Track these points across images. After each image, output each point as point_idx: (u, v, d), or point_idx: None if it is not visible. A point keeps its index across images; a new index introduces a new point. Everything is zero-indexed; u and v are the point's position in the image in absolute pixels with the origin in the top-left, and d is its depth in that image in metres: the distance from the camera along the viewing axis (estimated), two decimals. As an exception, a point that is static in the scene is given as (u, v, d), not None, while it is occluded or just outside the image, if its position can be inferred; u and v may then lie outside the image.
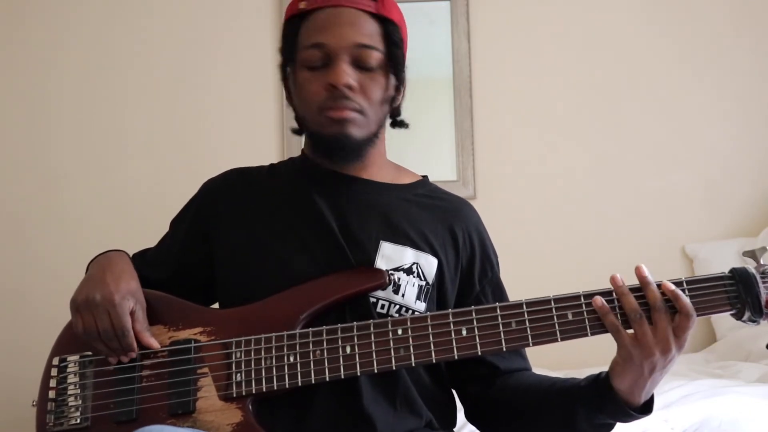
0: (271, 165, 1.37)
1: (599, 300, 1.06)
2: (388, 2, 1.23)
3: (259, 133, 2.75)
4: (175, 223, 1.36)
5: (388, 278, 1.16)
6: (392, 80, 1.23)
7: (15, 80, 2.76)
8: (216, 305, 1.30)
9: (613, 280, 1.07)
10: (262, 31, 2.78)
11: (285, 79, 1.29)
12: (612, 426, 1.13)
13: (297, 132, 1.33)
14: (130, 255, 1.32)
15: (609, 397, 1.08)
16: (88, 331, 1.14)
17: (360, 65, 1.18)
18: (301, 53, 1.20)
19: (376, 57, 1.19)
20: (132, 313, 1.15)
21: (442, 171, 2.72)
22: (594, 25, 2.80)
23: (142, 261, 1.31)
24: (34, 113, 2.75)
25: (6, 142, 2.74)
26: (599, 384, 1.10)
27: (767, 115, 2.76)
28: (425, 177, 1.36)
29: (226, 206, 1.28)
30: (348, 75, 1.16)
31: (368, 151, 1.24)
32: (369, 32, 1.19)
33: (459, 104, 2.75)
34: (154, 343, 1.16)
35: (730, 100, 2.77)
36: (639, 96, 2.77)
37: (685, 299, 1.04)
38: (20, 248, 2.69)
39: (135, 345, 1.15)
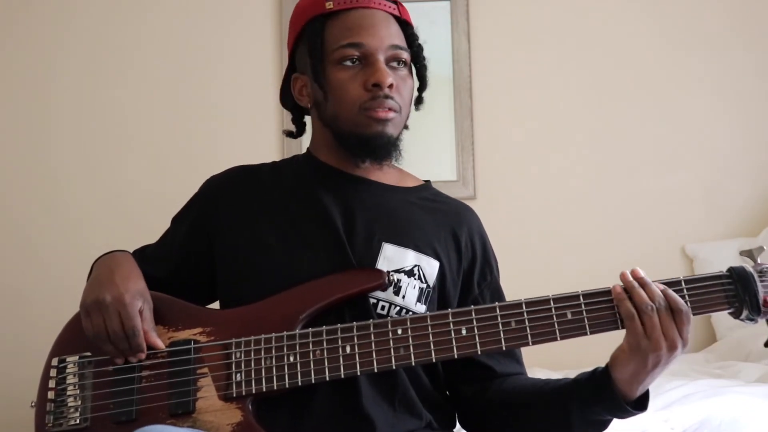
0: (274, 162, 1.37)
1: (618, 287, 1.07)
2: (404, 8, 1.26)
3: (259, 132, 2.74)
4: (177, 220, 1.35)
5: (387, 279, 1.16)
6: (415, 81, 1.26)
7: (15, 80, 2.76)
8: (215, 304, 1.30)
9: (623, 276, 1.08)
10: (263, 30, 2.78)
11: (285, 79, 1.29)
12: (607, 424, 1.13)
13: (292, 135, 1.35)
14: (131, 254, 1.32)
15: (606, 389, 1.08)
16: (98, 333, 1.14)
17: (393, 66, 1.20)
18: (336, 53, 1.19)
19: (406, 57, 1.22)
20: (140, 312, 1.15)
21: (441, 171, 2.71)
22: (594, 25, 2.80)
23: (142, 257, 1.31)
24: (35, 113, 2.75)
25: (6, 141, 2.74)
26: (597, 376, 1.10)
27: (767, 115, 2.76)
28: (428, 182, 1.36)
29: (229, 203, 1.28)
30: (389, 75, 1.18)
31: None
32: (398, 34, 1.22)
33: (459, 104, 2.75)
34: (160, 344, 1.16)
35: (729, 100, 2.77)
36: (639, 96, 2.77)
37: (675, 296, 1.05)
38: (20, 248, 2.69)
39: (144, 346, 1.14)
